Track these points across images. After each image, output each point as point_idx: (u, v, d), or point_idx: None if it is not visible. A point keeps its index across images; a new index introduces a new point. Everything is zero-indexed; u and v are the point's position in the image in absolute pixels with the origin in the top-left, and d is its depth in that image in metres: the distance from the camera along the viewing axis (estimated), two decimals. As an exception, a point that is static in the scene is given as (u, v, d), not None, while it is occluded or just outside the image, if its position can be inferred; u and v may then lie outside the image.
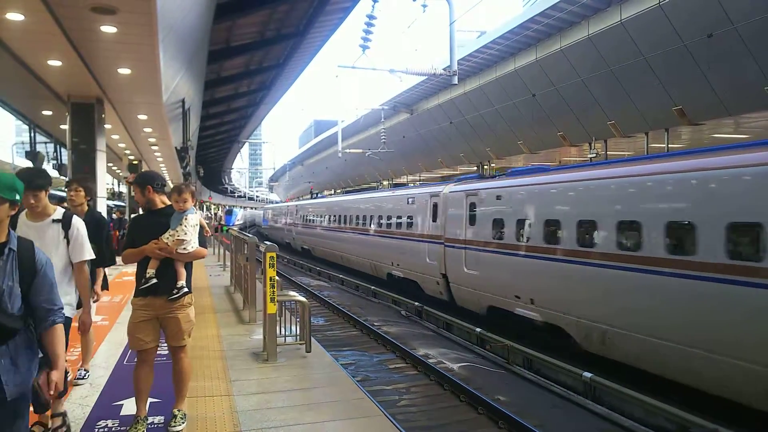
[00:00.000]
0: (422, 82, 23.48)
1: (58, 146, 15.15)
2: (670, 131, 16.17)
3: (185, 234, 3.87)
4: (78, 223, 3.86)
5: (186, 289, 3.92)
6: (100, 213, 5.20)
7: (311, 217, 27.74)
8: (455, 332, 11.47)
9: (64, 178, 13.75)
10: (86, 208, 4.85)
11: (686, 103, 14.46)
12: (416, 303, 13.53)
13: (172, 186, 4.25)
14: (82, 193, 4.82)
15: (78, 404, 4.39)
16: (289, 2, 13.27)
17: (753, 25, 11.31)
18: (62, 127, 11.29)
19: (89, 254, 3.90)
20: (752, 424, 6.21)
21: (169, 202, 4.04)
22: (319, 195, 34.87)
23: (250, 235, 8.60)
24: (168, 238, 3.84)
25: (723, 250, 6.20)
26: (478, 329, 10.58)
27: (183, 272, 3.94)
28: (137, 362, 3.91)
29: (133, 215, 4.51)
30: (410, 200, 15.29)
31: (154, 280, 3.82)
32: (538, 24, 16.02)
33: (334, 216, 23.07)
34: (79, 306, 4.06)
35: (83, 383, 4.83)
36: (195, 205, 4.19)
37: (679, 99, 14.49)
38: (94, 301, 4.61)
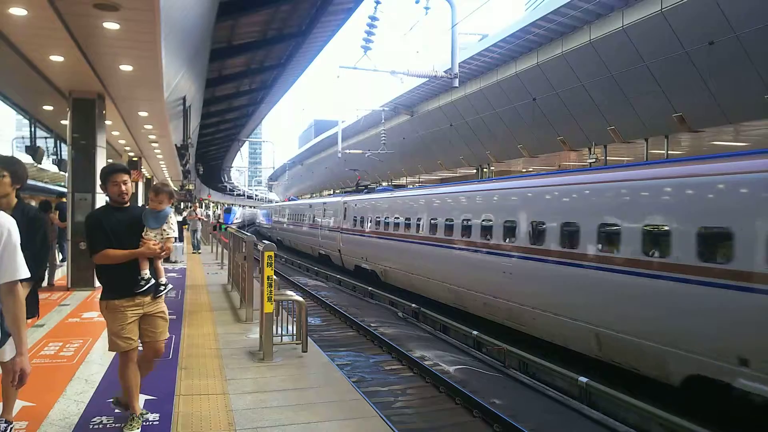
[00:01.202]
0: (423, 84, 23.51)
1: (58, 141, 15.13)
2: (670, 138, 16.20)
3: (174, 232, 3.96)
4: (7, 225, 2.68)
5: (171, 286, 4.05)
6: (35, 207, 3.85)
7: (384, 220, 16.98)
8: (452, 335, 11.47)
9: (63, 173, 13.73)
10: (14, 201, 3.47)
11: (686, 110, 14.48)
12: (413, 305, 13.52)
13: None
14: (8, 180, 3.37)
15: (73, 401, 4.39)
16: (292, 2, 13.27)
17: (754, 33, 11.34)
18: (63, 122, 11.26)
19: (23, 271, 2.68)
20: (750, 429, 6.22)
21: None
22: (374, 188, 22.94)
23: (249, 234, 8.60)
24: (156, 236, 3.85)
25: None
26: (475, 332, 10.59)
27: (162, 269, 3.99)
28: (125, 362, 3.84)
29: (94, 211, 3.84)
30: None
31: (153, 281, 3.84)
32: (539, 28, 16.05)
33: (470, 220, 11.89)
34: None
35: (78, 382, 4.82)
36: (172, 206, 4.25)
37: (680, 106, 14.51)
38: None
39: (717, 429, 6.09)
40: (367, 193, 21.10)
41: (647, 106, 15.46)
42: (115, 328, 3.77)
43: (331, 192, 51.68)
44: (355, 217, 19.99)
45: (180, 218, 18.81)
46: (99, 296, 3.89)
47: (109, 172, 3.86)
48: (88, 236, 3.79)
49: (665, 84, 14.35)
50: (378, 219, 17.59)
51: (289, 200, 42.41)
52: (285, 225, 35.78)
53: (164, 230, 3.89)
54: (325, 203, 25.43)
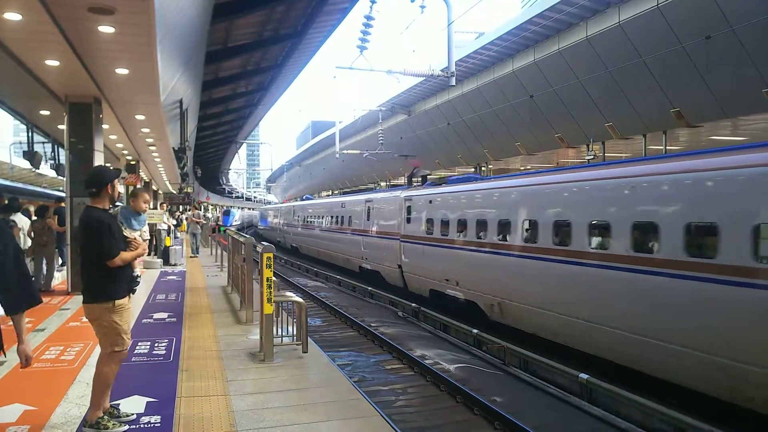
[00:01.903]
0: (420, 84, 23.51)
1: (55, 146, 15.12)
2: (668, 133, 16.22)
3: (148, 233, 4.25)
4: None
5: None
6: (2, 217, 3.47)
7: (500, 222, 10.59)
8: (452, 333, 11.47)
9: (61, 178, 13.73)
10: None
11: (684, 105, 14.50)
12: (413, 304, 13.52)
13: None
14: None
15: (75, 404, 4.39)
16: (287, 3, 13.26)
17: (750, 27, 11.36)
18: (60, 127, 11.26)
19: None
20: (749, 426, 6.23)
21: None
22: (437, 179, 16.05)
23: (247, 236, 8.62)
24: (138, 237, 4.12)
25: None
26: (475, 330, 10.59)
27: None
28: (118, 361, 3.94)
29: (97, 214, 3.83)
30: None
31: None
32: (536, 25, 16.06)
33: None
34: None
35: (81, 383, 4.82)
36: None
37: (677, 101, 14.53)
38: (22, 367, 3.12)
39: (718, 425, 6.10)
40: (432, 185, 14.94)
41: (645, 102, 15.47)
42: (124, 325, 3.89)
43: (330, 192, 51.58)
44: (429, 218, 13.46)
45: (174, 221, 18.82)
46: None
47: (116, 176, 3.98)
48: (104, 241, 3.76)
49: (662, 79, 14.36)
50: (483, 221, 11.03)
51: (303, 199, 34.60)
52: (302, 229, 28.94)
53: (144, 231, 4.11)
54: (370, 200, 18.59)
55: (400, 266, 15.24)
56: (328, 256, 23.54)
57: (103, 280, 3.81)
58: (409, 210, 14.86)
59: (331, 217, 23.08)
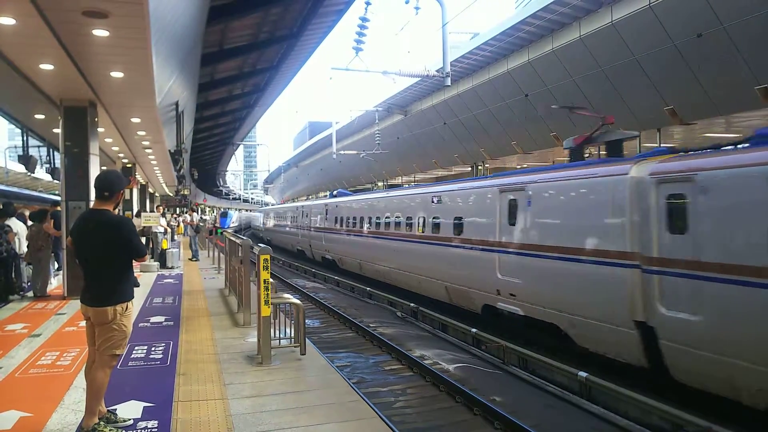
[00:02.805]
0: (416, 84, 23.54)
1: (51, 150, 15.06)
2: (663, 131, 16.28)
3: None
4: None
5: None
6: None
7: None
8: (451, 333, 11.48)
9: (57, 181, 13.68)
10: None
11: (678, 103, 14.55)
12: (411, 304, 13.52)
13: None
14: None
15: (71, 410, 4.37)
16: (283, 4, 13.27)
17: (742, 25, 11.41)
18: (55, 130, 11.23)
19: None
20: (747, 423, 6.25)
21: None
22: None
23: (245, 237, 8.60)
24: None
25: None
26: (474, 330, 10.60)
27: None
28: (112, 365, 3.95)
29: (117, 215, 4.14)
30: None
31: None
32: (530, 25, 16.10)
33: None
34: None
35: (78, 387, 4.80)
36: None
37: (671, 99, 14.58)
38: None
39: (717, 421, 6.12)
40: (684, 153, 7.48)
41: (638, 100, 15.52)
42: (130, 327, 3.93)
43: (327, 193, 51.36)
44: None
45: (165, 222, 18.79)
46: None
47: (128, 183, 4.07)
48: (136, 239, 3.95)
49: (656, 77, 14.41)
50: None
51: (336, 195, 24.01)
52: (348, 236, 20.58)
53: None
54: (510, 188, 10.38)
55: (643, 326, 7.26)
56: (404, 280, 15.10)
57: (120, 282, 3.87)
58: (674, 206, 6.91)
59: (410, 218, 15.06)
